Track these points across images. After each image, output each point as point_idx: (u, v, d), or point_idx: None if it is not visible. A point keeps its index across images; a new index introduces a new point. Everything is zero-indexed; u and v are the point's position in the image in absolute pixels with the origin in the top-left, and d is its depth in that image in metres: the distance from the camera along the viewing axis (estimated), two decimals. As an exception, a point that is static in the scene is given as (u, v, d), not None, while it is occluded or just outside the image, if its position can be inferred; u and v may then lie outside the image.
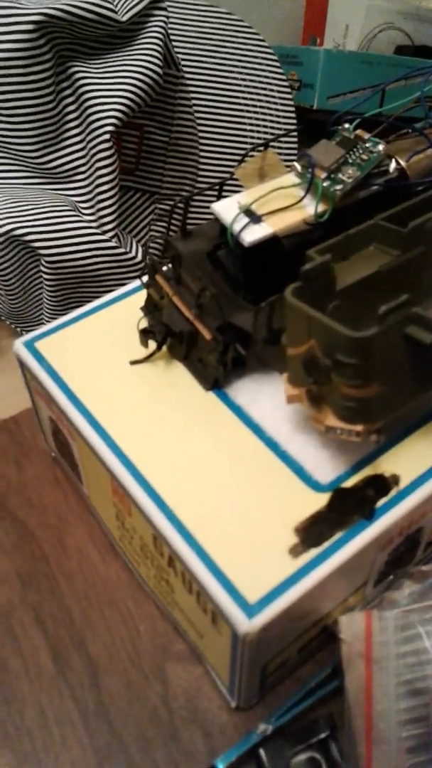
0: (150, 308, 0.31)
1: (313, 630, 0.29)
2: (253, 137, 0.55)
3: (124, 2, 0.44)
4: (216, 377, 0.29)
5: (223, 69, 0.54)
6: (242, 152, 0.54)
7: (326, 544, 0.26)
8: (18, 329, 0.47)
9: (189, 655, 0.31)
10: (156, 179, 0.50)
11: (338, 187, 0.28)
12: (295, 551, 0.25)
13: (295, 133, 0.56)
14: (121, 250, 0.42)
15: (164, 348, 0.31)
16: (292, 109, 0.55)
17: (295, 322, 0.25)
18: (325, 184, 0.28)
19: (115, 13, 0.41)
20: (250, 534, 0.26)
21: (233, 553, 0.25)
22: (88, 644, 0.31)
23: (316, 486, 0.27)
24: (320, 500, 0.27)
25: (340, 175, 0.28)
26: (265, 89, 0.56)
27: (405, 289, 0.28)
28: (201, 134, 0.53)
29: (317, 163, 0.28)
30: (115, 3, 0.43)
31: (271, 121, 0.56)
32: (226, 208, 0.28)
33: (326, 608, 0.28)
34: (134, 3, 0.43)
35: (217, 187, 0.46)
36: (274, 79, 0.57)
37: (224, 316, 0.28)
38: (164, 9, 0.44)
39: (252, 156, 0.30)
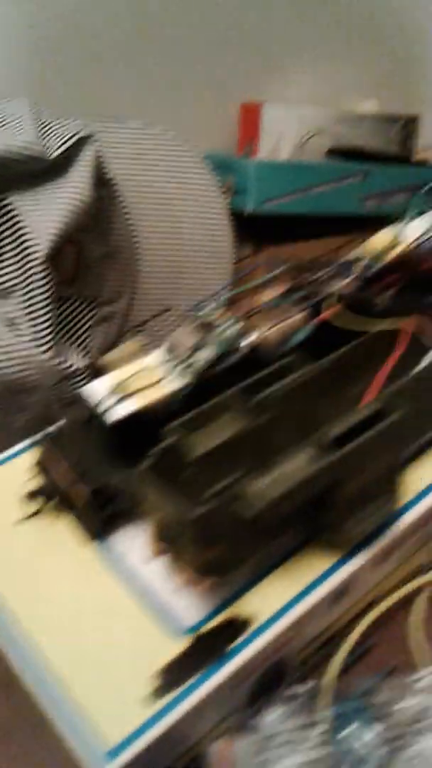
0: (39, 467, 0.35)
1: (184, 760, 0.32)
2: (190, 243, 0.60)
3: (54, 139, 0.49)
4: (96, 530, 0.33)
5: (159, 182, 0.60)
6: (179, 257, 0.59)
7: (181, 688, 0.29)
8: None
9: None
10: (96, 287, 0.54)
11: (195, 366, 0.33)
12: (152, 697, 0.29)
13: (231, 237, 0.61)
14: (57, 362, 0.45)
15: (56, 501, 0.35)
16: (227, 215, 0.60)
17: (148, 495, 0.29)
18: (184, 364, 0.33)
19: (44, 152, 0.46)
20: (113, 681, 0.29)
21: (96, 700, 0.29)
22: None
23: (178, 631, 0.31)
24: (181, 645, 0.30)
25: (195, 356, 0.33)
26: (199, 199, 0.61)
27: (254, 454, 0.32)
28: (141, 242, 0.58)
29: (175, 347, 0.33)
30: (44, 141, 0.48)
31: (207, 228, 0.61)
32: (96, 388, 0.33)
33: (191, 741, 0.31)
34: (63, 141, 0.48)
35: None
36: (207, 189, 0.62)
37: (100, 479, 0.32)
38: (93, 142, 0.49)
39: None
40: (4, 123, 0.49)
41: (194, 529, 0.27)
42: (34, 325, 0.46)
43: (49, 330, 0.45)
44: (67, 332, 0.52)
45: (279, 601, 0.31)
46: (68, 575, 0.33)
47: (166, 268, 0.60)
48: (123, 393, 0.32)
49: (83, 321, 0.54)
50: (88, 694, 0.29)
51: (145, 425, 0.33)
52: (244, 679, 0.31)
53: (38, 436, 0.34)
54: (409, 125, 0.82)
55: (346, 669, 0.36)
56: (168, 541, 0.29)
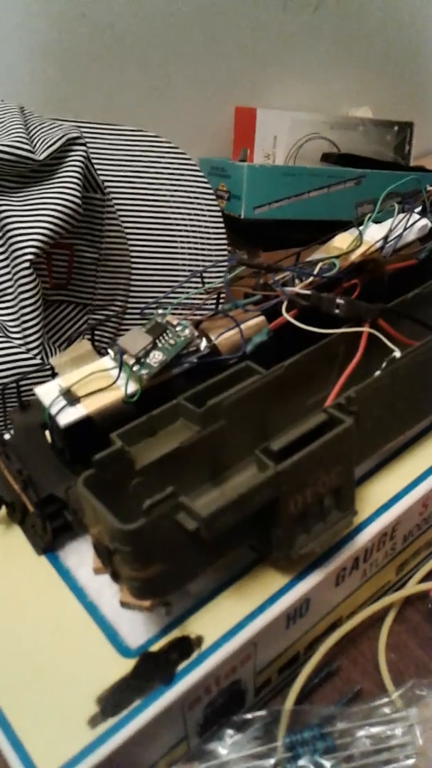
0: (-12, 477, 0.34)
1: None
2: (183, 248, 0.59)
3: (43, 141, 0.48)
4: (43, 543, 0.32)
5: (153, 186, 0.59)
6: (173, 262, 0.58)
7: (125, 712, 0.27)
8: None
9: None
10: (88, 292, 0.53)
11: (144, 371, 0.31)
12: (93, 721, 0.27)
13: (225, 242, 0.59)
14: (48, 366, 0.45)
15: (7, 511, 0.34)
16: (221, 220, 0.59)
17: (87, 507, 0.28)
18: (134, 368, 0.31)
19: (33, 152, 0.45)
20: (55, 704, 0.28)
21: (35, 723, 0.27)
22: None
23: (125, 651, 0.29)
24: (127, 666, 0.29)
25: (147, 360, 0.31)
26: (193, 203, 0.60)
27: (204, 464, 0.31)
28: (133, 248, 0.57)
29: (126, 350, 0.31)
30: (33, 143, 0.47)
31: (201, 233, 0.60)
32: (47, 391, 0.32)
33: (142, 766, 0.29)
34: (52, 142, 0.47)
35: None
36: (201, 194, 0.61)
37: (45, 490, 0.31)
38: (83, 145, 0.48)
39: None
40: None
41: (131, 544, 0.26)
42: (24, 329, 0.45)
43: (38, 335, 0.45)
44: (59, 337, 0.51)
45: (230, 621, 0.30)
46: (16, 589, 0.31)
47: (159, 273, 0.59)
48: (74, 396, 0.31)
49: (75, 326, 0.53)
50: (25, 716, 0.27)
51: (95, 431, 0.31)
52: (195, 702, 0.30)
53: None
54: (404, 131, 0.80)
55: (310, 692, 0.35)
56: (105, 558, 0.27)
